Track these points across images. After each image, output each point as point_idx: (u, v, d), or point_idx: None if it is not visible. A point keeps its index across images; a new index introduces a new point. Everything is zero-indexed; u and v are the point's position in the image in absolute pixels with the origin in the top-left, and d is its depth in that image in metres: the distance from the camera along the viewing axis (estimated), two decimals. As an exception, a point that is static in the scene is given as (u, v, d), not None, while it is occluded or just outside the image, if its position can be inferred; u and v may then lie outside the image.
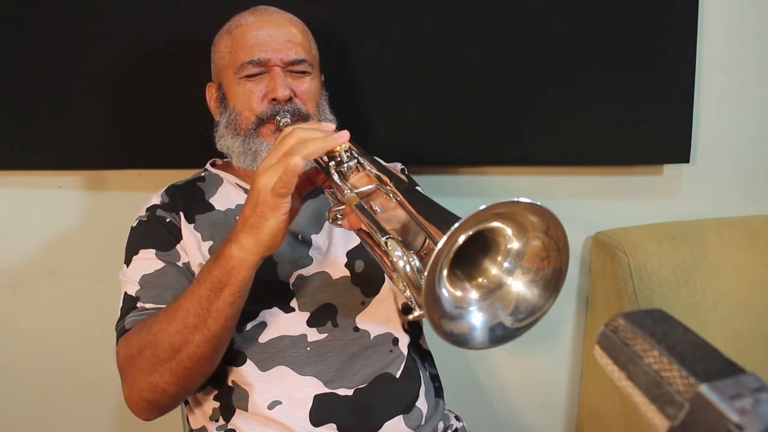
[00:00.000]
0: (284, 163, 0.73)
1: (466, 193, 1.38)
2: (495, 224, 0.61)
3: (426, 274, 0.55)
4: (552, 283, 0.62)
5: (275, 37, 1.00)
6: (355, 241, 1.01)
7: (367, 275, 1.00)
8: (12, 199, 1.37)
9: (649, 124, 1.30)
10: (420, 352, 1.05)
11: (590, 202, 1.40)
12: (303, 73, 1.01)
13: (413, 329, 1.04)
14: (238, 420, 0.92)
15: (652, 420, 0.36)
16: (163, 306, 0.90)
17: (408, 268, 0.63)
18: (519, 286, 0.64)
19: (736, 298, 1.26)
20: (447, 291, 0.62)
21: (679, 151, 1.33)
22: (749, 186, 1.42)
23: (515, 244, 0.63)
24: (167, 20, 1.23)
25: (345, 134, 0.77)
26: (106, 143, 1.28)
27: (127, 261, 0.97)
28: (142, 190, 1.30)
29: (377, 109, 1.28)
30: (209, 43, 1.09)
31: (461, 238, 0.58)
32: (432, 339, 1.08)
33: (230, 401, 0.93)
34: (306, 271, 0.98)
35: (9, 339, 1.41)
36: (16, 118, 1.28)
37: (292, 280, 0.97)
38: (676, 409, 0.35)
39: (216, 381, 0.94)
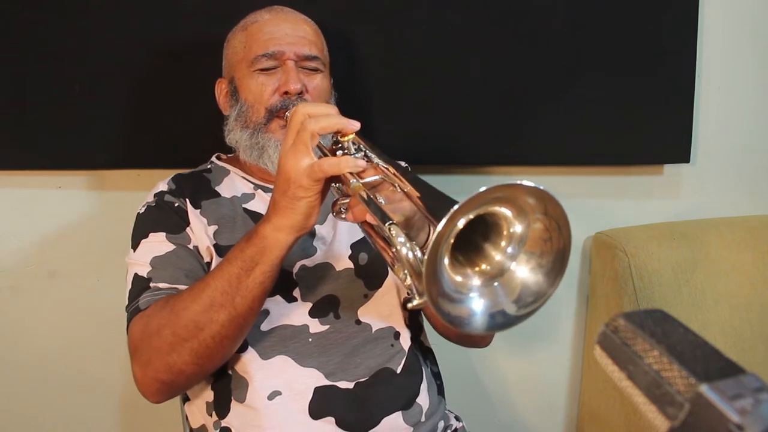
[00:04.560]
0: (303, 139, 0.75)
1: (466, 193, 1.37)
2: (496, 208, 0.61)
3: (426, 257, 0.55)
4: (556, 265, 0.62)
5: (290, 33, 1.02)
6: (359, 233, 1.01)
7: (370, 268, 1.00)
8: (12, 199, 1.37)
9: (649, 124, 1.30)
10: (421, 349, 1.04)
11: (590, 202, 1.40)
12: (315, 70, 1.03)
13: (414, 325, 1.04)
14: (232, 417, 0.91)
15: (652, 420, 0.36)
16: (178, 286, 0.90)
17: (410, 254, 0.63)
18: (523, 271, 0.64)
19: (736, 298, 1.26)
20: (448, 276, 0.62)
21: (679, 151, 1.33)
22: (749, 186, 1.42)
23: (517, 228, 0.63)
24: (168, 20, 1.23)
25: (356, 123, 0.78)
26: (106, 143, 1.28)
27: (135, 245, 0.96)
28: (142, 190, 1.29)
29: (379, 109, 1.28)
30: (211, 42, 1.09)
31: (461, 222, 0.58)
32: (433, 338, 1.08)
33: (228, 390, 0.92)
34: (309, 262, 0.99)
35: (9, 339, 1.41)
36: (16, 118, 1.27)
37: (295, 270, 0.97)
38: (676, 409, 0.35)
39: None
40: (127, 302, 0.92)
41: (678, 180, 1.41)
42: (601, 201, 1.41)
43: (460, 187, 1.38)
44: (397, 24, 1.25)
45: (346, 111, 1.08)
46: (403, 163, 1.19)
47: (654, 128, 1.30)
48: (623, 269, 1.26)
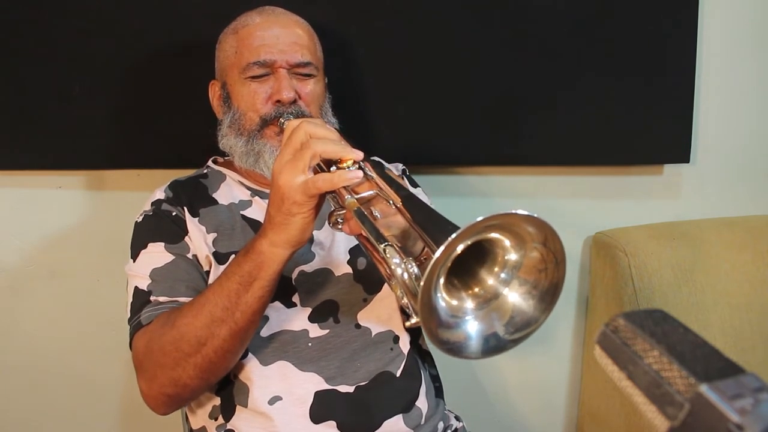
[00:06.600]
0: (303, 158, 0.74)
1: (465, 193, 1.38)
2: (493, 235, 0.61)
3: (422, 284, 0.55)
4: (548, 296, 0.62)
5: (281, 38, 1.00)
6: None
7: (369, 273, 1.00)
8: (12, 199, 1.37)
9: (649, 124, 1.30)
10: (420, 352, 1.05)
11: (590, 202, 1.40)
12: (308, 75, 1.02)
13: (412, 329, 1.04)
14: (237, 420, 0.92)
15: (652, 420, 0.36)
16: (178, 298, 0.90)
17: (405, 275, 0.63)
18: (515, 297, 0.64)
19: (736, 298, 1.26)
20: (443, 300, 0.62)
21: (679, 151, 1.33)
22: (749, 186, 1.42)
23: (513, 255, 0.63)
24: (167, 20, 1.23)
25: (360, 153, 0.76)
26: (106, 143, 1.28)
27: (134, 255, 0.97)
28: (142, 190, 1.30)
29: (378, 110, 1.28)
30: (210, 42, 1.09)
31: (459, 248, 0.58)
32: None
33: (231, 396, 0.93)
34: (308, 267, 0.99)
35: (9, 339, 1.41)
36: (16, 118, 1.27)
37: (294, 276, 0.97)
38: (676, 409, 0.35)
39: None
40: (128, 315, 0.92)
41: (678, 180, 1.41)
42: (601, 201, 1.40)
43: (460, 187, 1.38)
44: (396, 24, 1.25)
45: (344, 111, 1.09)
46: (400, 165, 1.19)
47: (654, 128, 1.30)
48: (623, 269, 1.26)
